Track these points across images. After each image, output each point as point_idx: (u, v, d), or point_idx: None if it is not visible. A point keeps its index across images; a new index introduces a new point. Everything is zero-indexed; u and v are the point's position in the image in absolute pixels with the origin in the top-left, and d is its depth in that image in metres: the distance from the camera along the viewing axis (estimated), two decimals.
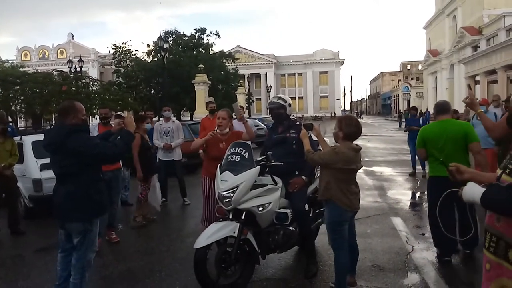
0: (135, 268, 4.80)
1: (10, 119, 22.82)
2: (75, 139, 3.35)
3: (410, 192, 8.78)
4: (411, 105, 51.61)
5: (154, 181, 6.81)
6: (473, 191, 2.12)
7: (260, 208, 3.94)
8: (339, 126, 3.63)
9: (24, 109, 23.90)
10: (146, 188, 6.69)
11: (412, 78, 79.06)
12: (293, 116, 4.81)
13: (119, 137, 3.61)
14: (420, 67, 70.50)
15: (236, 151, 4.08)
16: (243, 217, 3.89)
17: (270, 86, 57.56)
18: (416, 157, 10.43)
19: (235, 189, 3.82)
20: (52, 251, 4.86)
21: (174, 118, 8.75)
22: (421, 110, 22.12)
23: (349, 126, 3.61)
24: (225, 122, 4.82)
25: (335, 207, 3.61)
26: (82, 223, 3.47)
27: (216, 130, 4.77)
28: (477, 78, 30.66)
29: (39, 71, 29.01)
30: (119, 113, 7.81)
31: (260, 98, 69.78)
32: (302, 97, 76.07)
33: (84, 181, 3.43)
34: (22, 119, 30.83)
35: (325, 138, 4.06)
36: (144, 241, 5.99)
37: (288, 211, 4.16)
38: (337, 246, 3.66)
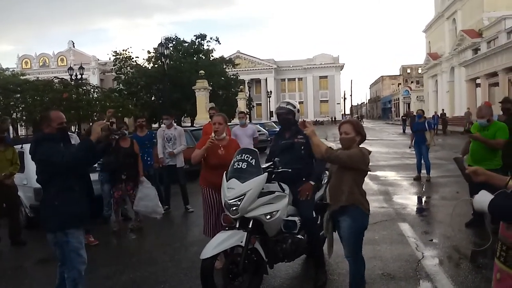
0: (139, 279, 4.68)
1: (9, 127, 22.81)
2: (40, 148, 3.37)
3: (416, 197, 8.65)
4: (411, 109, 51.59)
5: (141, 190, 6.65)
6: (482, 199, 2.08)
7: (268, 216, 3.83)
8: (356, 130, 3.47)
9: (25, 117, 23.90)
10: (118, 194, 6.73)
11: (412, 82, 79.02)
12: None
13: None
14: (420, 71, 70.60)
15: (242, 158, 3.97)
16: (250, 226, 3.78)
17: (271, 91, 57.56)
18: (422, 160, 10.38)
19: (242, 197, 3.70)
20: (53, 262, 4.69)
21: (175, 124, 8.61)
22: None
23: (363, 130, 3.53)
24: (222, 127, 4.73)
25: (360, 212, 3.44)
26: (54, 234, 3.42)
27: (214, 136, 4.61)
28: (478, 81, 30.66)
29: (39, 78, 29.07)
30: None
31: (261, 103, 69.80)
32: (302, 101, 75.93)
33: (52, 190, 3.40)
34: (23, 126, 30.82)
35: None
36: (147, 250, 5.87)
37: (296, 218, 4.05)
38: (358, 254, 3.51)
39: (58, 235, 3.40)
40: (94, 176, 6.56)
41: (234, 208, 3.73)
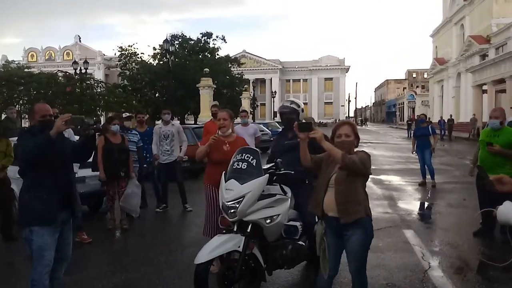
0: (131, 281, 4.48)
1: None
2: (18, 141, 3.35)
3: (421, 203, 8.42)
4: (416, 113, 51.41)
5: (130, 186, 6.47)
6: (508, 211, 1.93)
7: (268, 221, 3.61)
8: (355, 132, 3.20)
9: (28, 110, 23.77)
10: (113, 192, 6.47)
11: (417, 86, 78.66)
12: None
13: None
14: (426, 75, 70.24)
15: (243, 157, 3.75)
16: (249, 230, 3.57)
17: (275, 92, 57.41)
18: (425, 166, 10.12)
19: (241, 199, 3.49)
20: None
21: (178, 121, 8.43)
22: (429, 118, 21.58)
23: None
24: (227, 122, 4.57)
25: (370, 222, 3.18)
26: (23, 229, 3.29)
27: (218, 133, 4.50)
28: (485, 87, 30.31)
29: (44, 72, 28.95)
30: (127, 114, 7.60)
31: (265, 103, 69.63)
32: (306, 103, 75.65)
33: (24, 184, 3.30)
34: (26, 119, 30.75)
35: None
36: (142, 250, 5.66)
37: (298, 223, 3.84)
38: (364, 267, 3.24)
39: (25, 231, 3.24)
40: None
41: (232, 210, 3.52)
